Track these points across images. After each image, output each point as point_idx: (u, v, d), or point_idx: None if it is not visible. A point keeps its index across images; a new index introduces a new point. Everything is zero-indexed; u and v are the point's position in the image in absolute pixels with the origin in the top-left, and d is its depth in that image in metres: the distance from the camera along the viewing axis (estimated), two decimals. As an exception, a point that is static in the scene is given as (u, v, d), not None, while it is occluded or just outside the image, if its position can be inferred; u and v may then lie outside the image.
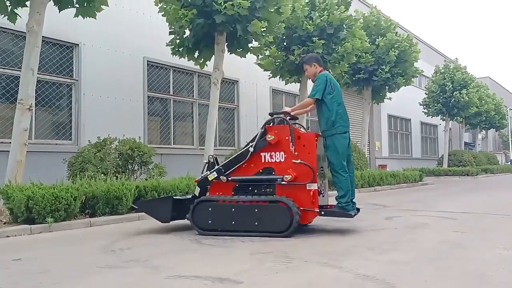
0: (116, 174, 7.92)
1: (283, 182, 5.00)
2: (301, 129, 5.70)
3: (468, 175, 21.41)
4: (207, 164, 5.57)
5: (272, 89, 15.04)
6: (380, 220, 6.23)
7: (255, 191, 5.16)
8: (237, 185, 5.25)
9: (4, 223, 5.73)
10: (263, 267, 3.49)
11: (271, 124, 5.30)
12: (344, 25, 11.70)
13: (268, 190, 5.12)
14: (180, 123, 12.17)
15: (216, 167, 5.37)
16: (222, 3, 8.04)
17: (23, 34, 7.74)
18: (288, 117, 5.33)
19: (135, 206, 6.00)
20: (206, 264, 3.67)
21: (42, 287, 3.06)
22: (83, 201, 6.17)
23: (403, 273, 3.28)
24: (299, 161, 4.98)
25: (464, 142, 32.51)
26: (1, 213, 6.07)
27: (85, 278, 3.27)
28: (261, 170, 5.19)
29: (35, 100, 7.85)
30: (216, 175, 5.27)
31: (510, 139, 40.48)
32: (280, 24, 9.82)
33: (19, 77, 6.82)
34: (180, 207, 5.43)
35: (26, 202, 5.50)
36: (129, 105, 10.52)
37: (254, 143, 5.19)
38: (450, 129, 26.05)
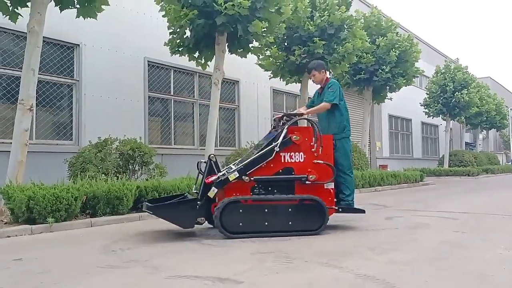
0: (117, 174, 7.92)
1: (307, 182, 5.12)
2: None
3: (469, 175, 21.40)
4: (207, 164, 5.32)
5: (273, 89, 15.04)
6: (380, 220, 6.23)
7: (275, 191, 5.11)
8: (255, 185, 5.12)
9: (5, 223, 5.73)
10: (264, 267, 3.49)
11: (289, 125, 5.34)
12: (344, 25, 11.71)
13: (288, 190, 5.14)
14: (181, 123, 12.18)
15: (236, 167, 5.16)
16: (223, 3, 8.05)
17: (24, 35, 7.76)
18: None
19: (149, 211, 5.08)
20: (206, 264, 3.67)
21: (43, 287, 3.06)
22: (84, 201, 6.17)
23: (404, 273, 3.28)
24: (321, 161, 5.20)
25: (465, 142, 32.48)
26: (1, 213, 6.08)
27: (86, 278, 3.27)
28: (281, 170, 5.19)
29: (36, 101, 7.84)
30: (237, 175, 5.04)
31: (511, 139, 40.45)
32: (281, 24, 9.82)
33: (20, 77, 6.83)
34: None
35: (27, 202, 5.50)
36: (129, 106, 10.53)
37: (277, 142, 5.15)
38: (451, 129, 26.04)
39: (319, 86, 6.14)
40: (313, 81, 6.17)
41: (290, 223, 4.94)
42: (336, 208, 5.33)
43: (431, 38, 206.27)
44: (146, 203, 5.27)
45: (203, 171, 5.30)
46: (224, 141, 13.34)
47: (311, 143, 5.24)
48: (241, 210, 4.90)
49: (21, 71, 6.89)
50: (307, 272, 3.35)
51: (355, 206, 5.77)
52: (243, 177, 5.06)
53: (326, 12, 11.22)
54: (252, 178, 5.08)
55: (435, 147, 29.87)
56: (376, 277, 3.13)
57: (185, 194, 5.63)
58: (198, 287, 2.98)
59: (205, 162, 5.39)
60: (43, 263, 3.80)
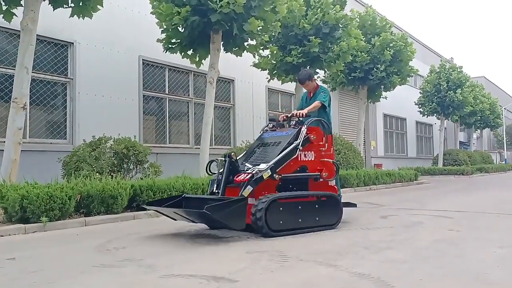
0: (111, 173, 7.89)
1: (321, 179, 5.41)
2: None
3: (463, 174, 21.50)
4: (225, 162, 5.12)
5: (268, 88, 15.04)
6: (375, 219, 6.24)
7: (294, 188, 5.29)
8: (280, 183, 5.14)
9: (-2, 223, 5.70)
10: (259, 266, 3.48)
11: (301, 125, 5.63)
12: (339, 24, 11.73)
13: (304, 187, 5.38)
14: (176, 122, 12.16)
15: (268, 164, 5.03)
16: (218, 1, 8.03)
17: (17, 32, 7.71)
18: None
19: (207, 212, 4.33)
20: (201, 263, 3.66)
21: (37, 287, 3.04)
22: (78, 200, 6.14)
23: (399, 272, 3.28)
24: (330, 160, 5.58)
25: (459, 141, 32.65)
26: (-5, 212, 6.04)
27: (80, 278, 3.25)
28: (298, 168, 5.36)
29: (30, 99, 7.81)
30: (270, 173, 4.97)
31: (504, 138, 40.69)
32: (276, 23, 9.83)
33: (13, 75, 6.79)
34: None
35: (21, 201, 5.47)
36: (124, 104, 10.49)
37: (299, 141, 5.32)
38: (445, 128, 26.15)
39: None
40: (306, 90, 6.46)
41: (317, 218, 5.13)
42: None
43: (426, 37, 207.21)
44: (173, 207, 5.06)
45: (222, 169, 5.11)
46: (219, 140, 13.32)
47: (320, 142, 5.57)
48: (281, 208, 4.86)
49: (14, 69, 6.85)
50: (302, 270, 3.35)
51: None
52: (274, 175, 5.03)
53: (320, 10, 11.23)
54: (280, 176, 5.09)
55: (429, 146, 30.00)
56: (371, 275, 3.13)
57: (183, 195, 5.58)
58: (193, 286, 2.96)
59: (223, 160, 5.17)
60: (36, 263, 3.77)
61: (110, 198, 6.38)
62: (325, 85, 14.00)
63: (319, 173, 5.42)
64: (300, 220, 5.00)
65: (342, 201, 5.69)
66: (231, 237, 4.82)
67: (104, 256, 3.99)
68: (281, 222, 4.84)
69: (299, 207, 5.04)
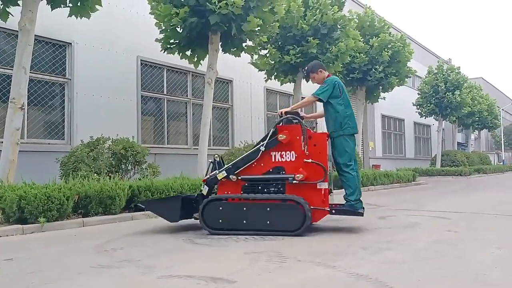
0: (109, 174, 7.87)
1: (294, 181, 5.02)
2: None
3: (461, 175, 21.53)
4: (211, 164, 5.55)
5: (267, 88, 15.04)
6: (374, 220, 6.25)
7: (265, 190, 5.16)
8: (246, 184, 5.24)
9: (-5, 223, 5.68)
10: (257, 267, 3.48)
11: (281, 124, 5.32)
12: (338, 25, 11.74)
13: (279, 189, 5.13)
14: (174, 122, 12.14)
15: (225, 166, 5.36)
16: (216, 2, 8.02)
17: (15, 33, 7.69)
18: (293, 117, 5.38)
19: (142, 206, 5.98)
20: (199, 263, 3.66)
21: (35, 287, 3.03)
22: (75, 201, 6.12)
23: (397, 273, 3.28)
24: (310, 160, 5.03)
25: (457, 142, 32.71)
26: (-8, 213, 6.02)
27: (78, 278, 3.24)
28: (271, 170, 5.20)
29: (28, 99, 7.81)
30: (225, 174, 5.25)
31: (502, 139, 40.78)
32: (274, 23, 9.83)
33: (11, 76, 6.77)
34: (187, 206, 5.41)
35: (18, 202, 5.45)
36: (122, 105, 10.48)
37: (265, 142, 5.18)
38: (443, 129, 26.20)
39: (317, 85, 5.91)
40: (315, 83, 5.92)
41: (268, 222, 4.93)
42: (328, 210, 5.06)
43: (424, 38, 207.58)
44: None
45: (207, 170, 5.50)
46: (217, 141, 13.31)
47: (300, 142, 5.12)
48: (220, 208, 5.11)
49: (12, 69, 6.83)
50: (300, 271, 3.35)
51: (362, 205, 5.41)
52: (230, 176, 5.23)
53: (318, 11, 11.24)
54: (239, 178, 5.21)
55: (427, 147, 30.05)
56: (369, 276, 3.13)
57: (182, 196, 5.75)
58: (191, 286, 2.96)
59: (211, 161, 5.55)
60: (35, 263, 3.76)
61: (108, 199, 6.37)
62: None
63: (292, 175, 5.02)
64: (245, 221, 4.99)
65: (347, 208, 5.26)
66: (229, 237, 4.82)
67: (103, 257, 3.98)
68: (220, 221, 5.08)
69: (244, 209, 5.03)
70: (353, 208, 5.28)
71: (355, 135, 5.51)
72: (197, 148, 9.65)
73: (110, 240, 4.84)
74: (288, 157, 5.14)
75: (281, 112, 5.47)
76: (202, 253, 4.12)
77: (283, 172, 5.14)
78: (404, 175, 15.51)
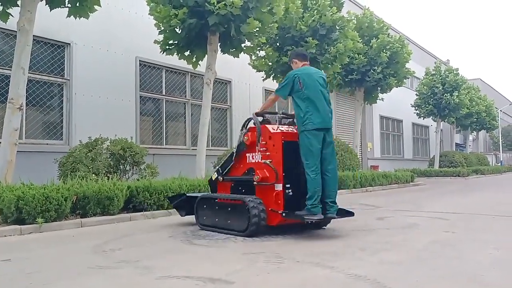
0: (108, 174, 7.86)
1: (254, 183, 5.00)
2: (285, 127, 5.27)
3: (459, 176, 21.55)
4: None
5: (265, 89, 15.04)
6: (372, 221, 6.25)
7: (243, 190, 5.29)
8: (233, 184, 5.47)
9: (-7, 224, 5.67)
10: (255, 267, 3.48)
11: (247, 126, 5.44)
12: (336, 26, 11.75)
13: (250, 190, 5.16)
14: (173, 123, 12.14)
15: (217, 167, 5.73)
16: (215, 3, 8.03)
17: (13, 33, 7.68)
18: (259, 117, 5.29)
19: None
20: (198, 264, 3.66)
21: (32, 288, 3.03)
22: (74, 202, 6.12)
23: (395, 273, 3.29)
24: (263, 161, 4.97)
25: (455, 143, 32.74)
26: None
27: (76, 279, 3.24)
28: (246, 171, 5.27)
29: (26, 100, 7.79)
30: (216, 175, 5.61)
31: (500, 140, 40.85)
32: (273, 24, 9.84)
33: (10, 76, 6.76)
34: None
35: (16, 203, 5.44)
36: (121, 105, 10.47)
37: (237, 144, 5.46)
38: (441, 130, 26.23)
39: None
40: None
41: (228, 221, 5.09)
42: (280, 212, 4.77)
43: (423, 39, 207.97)
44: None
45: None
46: (216, 141, 13.31)
47: (259, 143, 5.02)
48: (205, 206, 5.49)
49: (10, 69, 6.82)
50: (298, 272, 3.35)
51: (334, 209, 4.94)
52: (218, 177, 5.57)
53: (317, 12, 11.25)
54: (225, 178, 5.50)
55: (425, 148, 30.08)
56: (367, 277, 3.13)
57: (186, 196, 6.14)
58: (190, 287, 2.96)
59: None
60: (33, 264, 3.76)
61: (106, 199, 6.36)
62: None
63: (251, 177, 4.99)
64: (216, 220, 5.25)
65: (300, 213, 4.78)
66: (227, 238, 4.82)
67: (101, 257, 3.98)
68: (204, 217, 5.46)
69: (216, 208, 5.31)
70: (310, 213, 4.72)
71: (325, 131, 4.98)
72: (196, 149, 9.65)
73: (108, 240, 4.84)
74: (256, 158, 5.16)
75: (253, 114, 5.35)
76: (200, 253, 4.12)
77: (253, 173, 5.11)
78: (402, 176, 15.52)
